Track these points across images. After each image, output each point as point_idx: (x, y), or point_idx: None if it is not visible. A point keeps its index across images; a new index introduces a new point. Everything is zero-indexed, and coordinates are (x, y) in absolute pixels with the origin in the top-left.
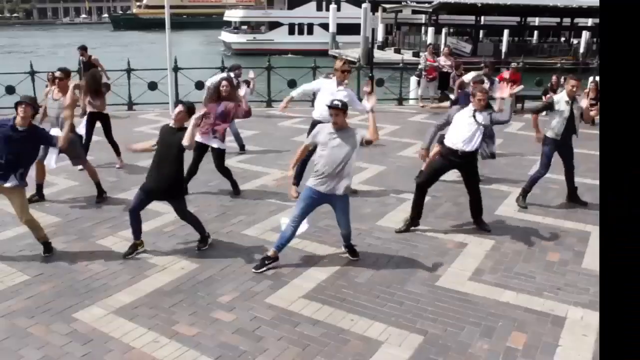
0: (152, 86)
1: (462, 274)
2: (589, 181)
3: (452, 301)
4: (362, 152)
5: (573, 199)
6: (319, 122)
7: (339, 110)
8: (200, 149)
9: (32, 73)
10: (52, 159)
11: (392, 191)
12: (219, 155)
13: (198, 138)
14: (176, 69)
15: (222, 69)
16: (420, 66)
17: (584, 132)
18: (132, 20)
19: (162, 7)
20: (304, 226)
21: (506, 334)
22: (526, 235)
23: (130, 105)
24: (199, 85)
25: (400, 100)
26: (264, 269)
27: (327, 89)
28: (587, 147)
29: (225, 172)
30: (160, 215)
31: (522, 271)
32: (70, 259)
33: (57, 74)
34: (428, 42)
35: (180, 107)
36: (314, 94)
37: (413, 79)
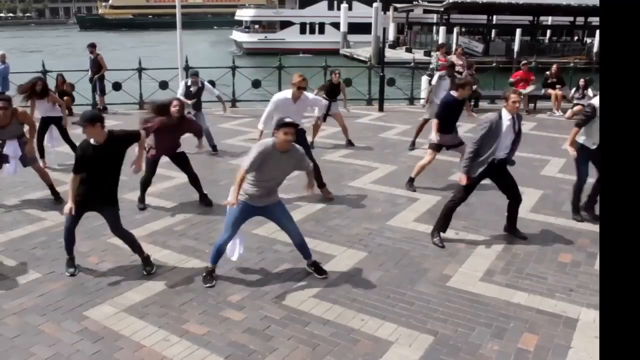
0: (163, 85)
1: (473, 274)
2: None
3: (463, 302)
4: (373, 153)
5: (588, 208)
6: None
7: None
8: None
9: (44, 72)
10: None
11: (403, 191)
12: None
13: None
14: (187, 68)
15: (233, 69)
16: (431, 65)
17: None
18: (98, 21)
19: (127, 7)
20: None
21: (517, 336)
22: (538, 236)
23: (142, 104)
24: (210, 84)
25: (412, 99)
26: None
27: (285, 106)
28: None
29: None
30: (170, 214)
31: (533, 272)
32: (81, 258)
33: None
34: (439, 41)
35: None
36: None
37: (424, 79)
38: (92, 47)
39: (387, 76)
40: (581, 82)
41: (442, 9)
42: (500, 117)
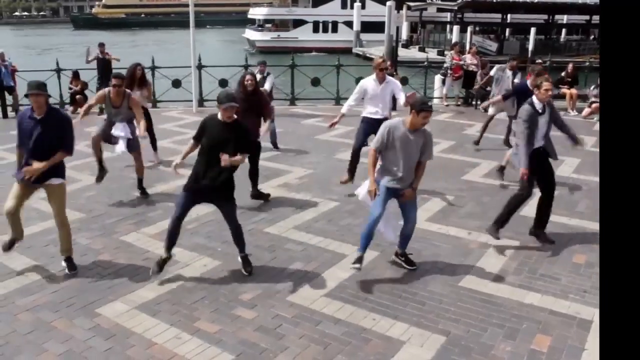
0: (176, 84)
1: (486, 274)
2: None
3: (475, 302)
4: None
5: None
6: (369, 119)
7: (429, 112)
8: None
9: (58, 70)
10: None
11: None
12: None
13: None
14: (200, 66)
15: (246, 67)
16: (445, 65)
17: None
18: (91, 20)
19: (120, 6)
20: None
21: (530, 337)
22: (552, 236)
23: (155, 102)
24: (223, 83)
25: None
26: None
27: (371, 88)
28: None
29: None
30: None
31: (547, 273)
32: (94, 255)
33: (114, 80)
34: (453, 40)
35: None
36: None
37: (437, 78)
38: (101, 47)
39: (400, 75)
40: (569, 67)
41: (455, 8)
42: (532, 104)
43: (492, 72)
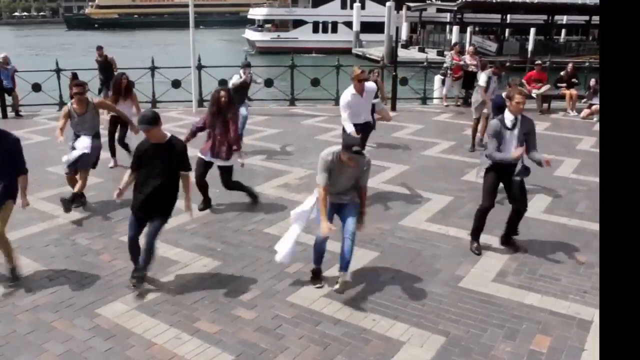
0: (176, 84)
1: (485, 275)
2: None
3: (475, 302)
4: (385, 152)
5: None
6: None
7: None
8: (205, 166)
9: (58, 71)
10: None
11: (415, 191)
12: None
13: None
14: (200, 67)
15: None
16: (445, 65)
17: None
18: (84, 21)
19: (113, 7)
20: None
21: (530, 337)
22: (551, 237)
23: (154, 103)
24: (223, 83)
25: (424, 99)
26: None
27: (354, 101)
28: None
29: (236, 186)
30: (182, 212)
31: (547, 273)
32: (94, 255)
33: (75, 89)
34: (453, 40)
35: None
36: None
37: (437, 78)
38: (99, 49)
39: (399, 76)
40: (592, 82)
41: (455, 8)
42: (502, 119)
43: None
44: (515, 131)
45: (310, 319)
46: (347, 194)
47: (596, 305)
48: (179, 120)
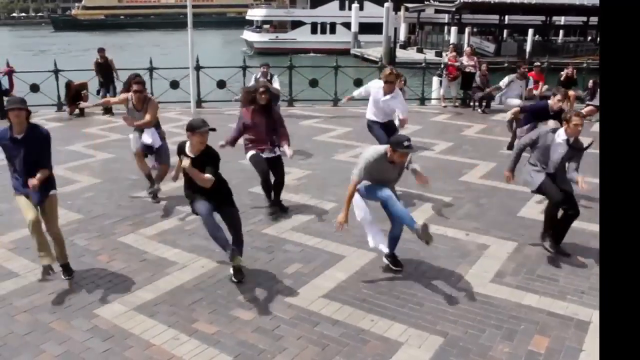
0: (174, 85)
1: (484, 275)
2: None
3: (473, 303)
4: None
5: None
6: (373, 121)
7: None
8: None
9: (56, 72)
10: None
11: (414, 191)
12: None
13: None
14: (198, 67)
15: (244, 68)
16: (442, 65)
17: None
18: (71, 22)
19: (99, 8)
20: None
21: (528, 338)
22: (550, 237)
23: None
24: (221, 84)
25: (423, 100)
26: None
27: (375, 96)
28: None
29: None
30: (180, 213)
31: (545, 274)
32: (92, 256)
33: (136, 86)
34: (451, 41)
35: None
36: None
37: (435, 79)
38: (101, 52)
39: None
40: (590, 83)
41: (453, 9)
42: (552, 132)
43: (502, 84)
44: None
45: (309, 319)
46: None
47: (594, 306)
48: (178, 120)
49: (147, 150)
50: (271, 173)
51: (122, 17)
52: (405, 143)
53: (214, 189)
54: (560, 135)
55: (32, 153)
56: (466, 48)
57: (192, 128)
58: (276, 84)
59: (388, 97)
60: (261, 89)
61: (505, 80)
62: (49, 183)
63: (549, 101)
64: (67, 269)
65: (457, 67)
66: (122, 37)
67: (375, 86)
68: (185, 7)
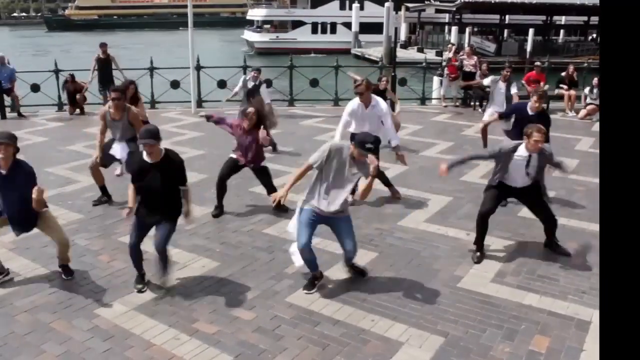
0: (175, 85)
1: (484, 275)
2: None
3: (474, 303)
4: (384, 153)
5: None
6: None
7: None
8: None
9: (57, 71)
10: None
11: (414, 191)
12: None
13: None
14: (199, 67)
15: (244, 68)
16: (443, 64)
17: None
18: (64, 22)
19: (92, 7)
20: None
21: (529, 338)
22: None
23: (153, 103)
24: (221, 84)
25: (423, 99)
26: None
27: (358, 113)
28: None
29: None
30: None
31: (545, 274)
32: (92, 256)
33: (114, 94)
34: (451, 41)
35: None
36: None
37: (436, 79)
38: (103, 47)
39: (398, 76)
40: (594, 81)
41: (454, 9)
42: (513, 150)
43: (485, 82)
44: (526, 165)
45: (309, 319)
46: (338, 202)
47: (594, 306)
48: (178, 120)
49: (110, 160)
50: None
51: (115, 17)
52: (368, 145)
53: (163, 202)
54: (520, 151)
55: (18, 188)
56: (466, 48)
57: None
58: (264, 93)
59: (369, 109)
60: (250, 112)
61: (488, 80)
62: (33, 213)
63: (529, 102)
64: (66, 270)
65: (457, 66)
66: (115, 37)
67: (352, 106)
68: (177, 7)
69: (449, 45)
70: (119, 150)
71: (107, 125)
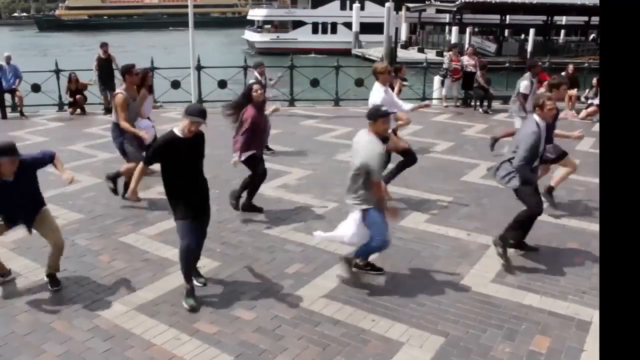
0: (175, 84)
1: (485, 275)
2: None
3: (474, 303)
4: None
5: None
6: None
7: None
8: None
9: (57, 71)
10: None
11: (414, 191)
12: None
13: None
14: (199, 67)
15: (245, 68)
16: (444, 65)
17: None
18: (54, 22)
19: (82, 8)
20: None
21: (529, 338)
22: (550, 238)
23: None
24: (222, 84)
25: (424, 99)
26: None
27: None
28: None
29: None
30: None
31: (546, 274)
32: (93, 256)
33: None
34: (452, 41)
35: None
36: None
37: (436, 79)
38: (104, 46)
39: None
40: (594, 81)
41: (454, 9)
42: (538, 125)
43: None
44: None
45: (310, 319)
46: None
47: (595, 306)
48: (179, 120)
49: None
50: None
51: (105, 17)
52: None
53: (197, 188)
54: (541, 124)
55: (25, 188)
56: (468, 48)
57: (189, 112)
58: (268, 87)
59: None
60: (253, 88)
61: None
62: (37, 203)
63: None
64: (53, 280)
65: (458, 67)
66: (107, 38)
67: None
68: (167, 7)
69: (455, 48)
70: (145, 124)
71: (130, 106)
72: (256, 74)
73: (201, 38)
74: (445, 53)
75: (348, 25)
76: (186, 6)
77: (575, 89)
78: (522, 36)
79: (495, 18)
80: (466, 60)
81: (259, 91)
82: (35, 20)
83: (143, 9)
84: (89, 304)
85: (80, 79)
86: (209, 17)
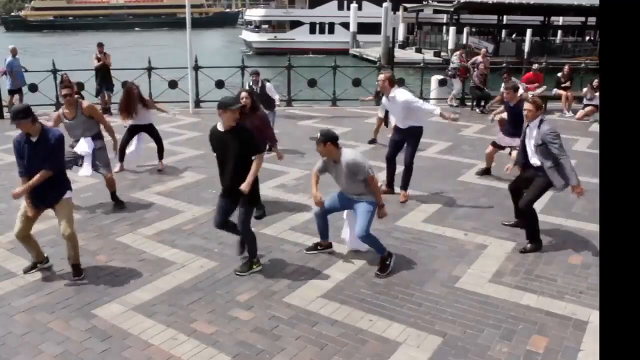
0: (173, 85)
1: (482, 275)
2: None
3: (472, 303)
4: (382, 152)
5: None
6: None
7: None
8: None
9: (54, 72)
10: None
11: (412, 191)
12: None
13: None
14: (197, 67)
15: (242, 68)
16: (453, 65)
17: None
18: (20, 22)
19: (48, 8)
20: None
21: (526, 338)
22: (548, 238)
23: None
24: (220, 84)
25: (421, 99)
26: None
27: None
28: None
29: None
30: (179, 213)
31: (543, 274)
32: (90, 256)
33: (64, 90)
34: (449, 41)
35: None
36: None
37: (434, 79)
38: (100, 47)
39: (396, 76)
40: (595, 82)
41: (452, 9)
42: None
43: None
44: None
45: (307, 319)
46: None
47: (592, 306)
48: (176, 120)
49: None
50: None
51: (70, 18)
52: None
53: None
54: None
55: (43, 156)
56: (482, 49)
57: (223, 105)
58: (271, 90)
59: (390, 99)
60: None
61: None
62: (63, 183)
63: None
64: (77, 269)
65: (467, 67)
66: (73, 37)
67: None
68: (133, 7)
69: (462, 50)
70: (85, 145)
71: (65, 127)
72: (251, 81)
73: (166, 38)
74: (455, 53)
75: (345, 25)
76: (153, 7)
77: (569, 91)
78: (518, 36)
79: (492, 18)
80: (481, 60)
81: (244, 100)
82: (2, 20)
83: (108, 9)
84: (87, 304)
85: (74, 79)
86: (175, 17)
